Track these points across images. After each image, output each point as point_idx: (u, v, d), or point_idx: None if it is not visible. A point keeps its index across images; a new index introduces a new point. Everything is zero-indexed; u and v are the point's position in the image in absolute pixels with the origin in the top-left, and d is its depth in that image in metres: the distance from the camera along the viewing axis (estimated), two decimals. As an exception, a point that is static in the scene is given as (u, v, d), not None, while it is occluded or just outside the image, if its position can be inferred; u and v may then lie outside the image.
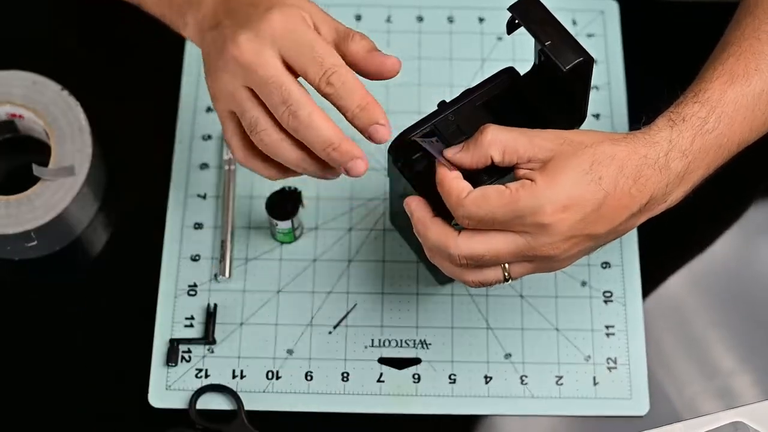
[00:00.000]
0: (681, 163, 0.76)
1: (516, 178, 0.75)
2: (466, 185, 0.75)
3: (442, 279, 0.91)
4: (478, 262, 0.75)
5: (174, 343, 0.90)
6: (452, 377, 0.90)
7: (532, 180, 0.73)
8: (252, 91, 0.75)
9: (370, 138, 0.75)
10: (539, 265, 0.77)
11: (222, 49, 0.75)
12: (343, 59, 0.75)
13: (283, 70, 0.74)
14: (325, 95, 0.75)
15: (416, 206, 0.77)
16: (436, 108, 0.80)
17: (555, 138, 0.74)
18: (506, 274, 0.76)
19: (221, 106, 0.78)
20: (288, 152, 0.76)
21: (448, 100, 0.80)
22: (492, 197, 0.73)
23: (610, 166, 0.73)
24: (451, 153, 0.76)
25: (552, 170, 0.73)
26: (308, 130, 0.74)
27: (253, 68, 0.74)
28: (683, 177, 0.76)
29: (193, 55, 1.01)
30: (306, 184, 0.95)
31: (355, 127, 0.75)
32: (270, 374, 0.90)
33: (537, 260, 0.76)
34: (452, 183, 0.75)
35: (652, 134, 0.76)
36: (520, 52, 1.01)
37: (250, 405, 0.89)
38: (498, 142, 0.75)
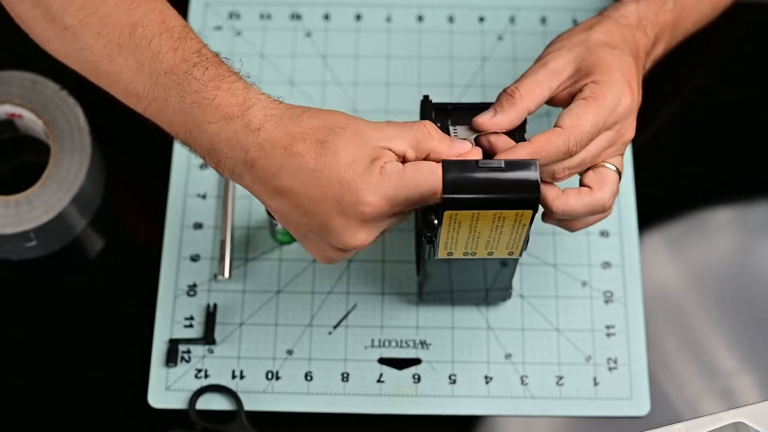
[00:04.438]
0: (653, 31, 0.84)
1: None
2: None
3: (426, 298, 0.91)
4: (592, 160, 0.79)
5: (174, 344, 0.90)
6: (452, 377, 0.90)
7: (592, 93, 0.78)
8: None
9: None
10: (621, 145, 0.81)
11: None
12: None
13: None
14: None
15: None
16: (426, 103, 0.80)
17: (566, 57, 0.79)
18: (614, 167, 0.80)
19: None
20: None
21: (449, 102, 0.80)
22: (586, 122, 0.77)
23: (620, 34, 0.81)
24: (485, 119, 0.78)
25: (597, 71, 0.78)
26: None
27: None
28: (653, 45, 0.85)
29: (192, 55, 1.00)
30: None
31: None
32: (270, 374, 0.90)
33: (620, 138, 0.80)
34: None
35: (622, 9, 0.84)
36: (521, 51, 1.01)
37: (249, 405, 0.89)
38: (528, 92, 0.78)
